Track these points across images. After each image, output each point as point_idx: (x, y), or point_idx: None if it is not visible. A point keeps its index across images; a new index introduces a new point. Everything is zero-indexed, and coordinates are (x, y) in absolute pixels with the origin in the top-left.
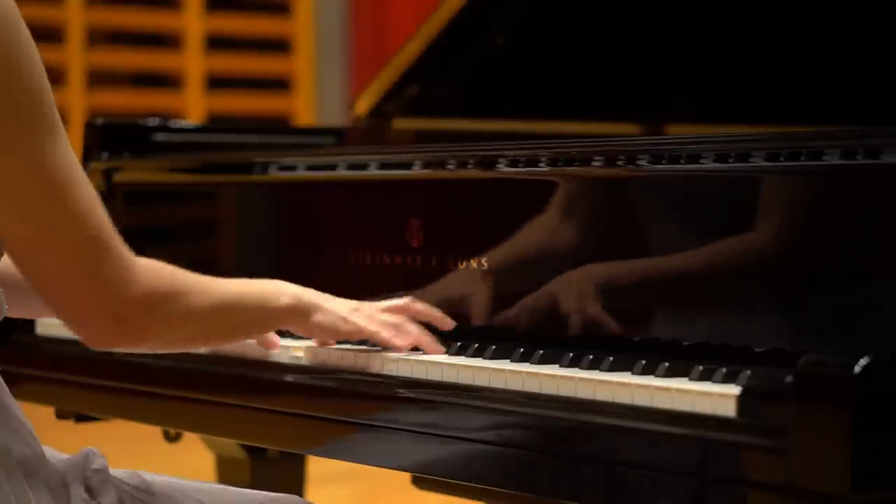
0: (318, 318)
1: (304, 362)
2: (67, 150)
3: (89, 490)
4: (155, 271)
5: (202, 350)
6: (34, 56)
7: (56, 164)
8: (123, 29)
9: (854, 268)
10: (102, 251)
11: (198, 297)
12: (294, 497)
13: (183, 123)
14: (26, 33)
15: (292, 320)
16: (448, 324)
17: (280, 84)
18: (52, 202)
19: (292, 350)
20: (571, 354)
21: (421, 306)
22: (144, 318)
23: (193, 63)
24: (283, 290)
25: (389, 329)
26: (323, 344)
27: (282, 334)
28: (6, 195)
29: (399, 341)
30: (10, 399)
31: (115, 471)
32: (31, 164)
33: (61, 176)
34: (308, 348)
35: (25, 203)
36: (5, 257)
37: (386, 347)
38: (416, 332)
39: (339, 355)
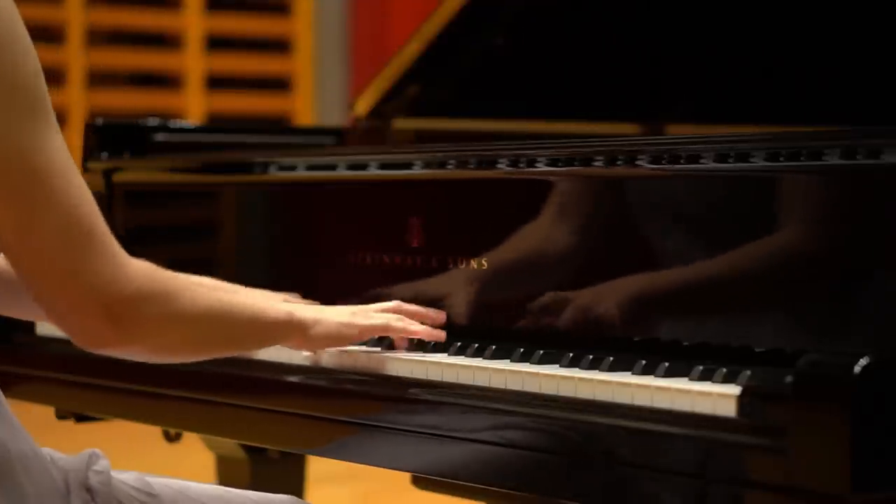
0: (318, 330)
1: (303, 363)
2: (59, 143)
3: (90, 491)
4: (148, 272)
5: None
6: (25, 48)
7: (45, 153)
8: (123, 29)
9: (854, 268)
10: (92, 245)
11: (189, 301)
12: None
13: (183, 123)
14: (20, 25)
15: (290, 336)
16: (441, 317)
17: (280, 84)
18: (37, 191)
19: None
20: (571, 354)
21: (412, 307)
22: (135, 316)
23: (193, 63)
24: (275, 307)
25: (397, 319)
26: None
27: None
28: None
29: (414, 326)
30: (3, 399)
31: (117, 473)
32: (17, 150)
33: (49, 166)
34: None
35: (11, 190)
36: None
37: (390, 345)
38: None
39: (339, 356)
